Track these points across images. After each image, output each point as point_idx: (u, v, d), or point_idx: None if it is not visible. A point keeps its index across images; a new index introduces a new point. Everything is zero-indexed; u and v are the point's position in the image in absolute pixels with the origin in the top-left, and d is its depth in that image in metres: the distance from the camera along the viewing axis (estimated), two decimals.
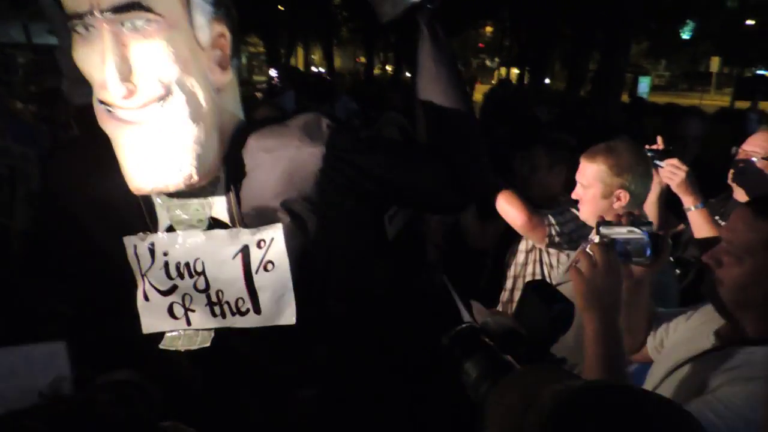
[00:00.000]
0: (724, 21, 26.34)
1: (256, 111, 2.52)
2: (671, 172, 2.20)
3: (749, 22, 27.91)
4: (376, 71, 25.86)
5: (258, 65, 30.57)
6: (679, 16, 22.14)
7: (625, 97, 14.71)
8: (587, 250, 1.26)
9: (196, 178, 1.25)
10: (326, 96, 6.13)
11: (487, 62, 37.70)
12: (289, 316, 1.35)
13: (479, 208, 2.93)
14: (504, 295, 2.64)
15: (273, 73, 11.09)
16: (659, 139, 2.32)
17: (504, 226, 2.52)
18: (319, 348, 1.45)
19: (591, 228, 2.05)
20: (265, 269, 1.33)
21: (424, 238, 3.46)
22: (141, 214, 1.34)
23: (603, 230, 1.33)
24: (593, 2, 11.42)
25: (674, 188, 2.23)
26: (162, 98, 1.19)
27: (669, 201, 2.37)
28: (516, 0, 15.85)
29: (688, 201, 2.22)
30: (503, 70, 26.10)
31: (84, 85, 2.06)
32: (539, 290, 1.16)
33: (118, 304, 1.36)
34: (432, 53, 1.38)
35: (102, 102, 1.20)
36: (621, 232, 1.32)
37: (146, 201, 1.34)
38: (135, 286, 1.35)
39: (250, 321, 1.36)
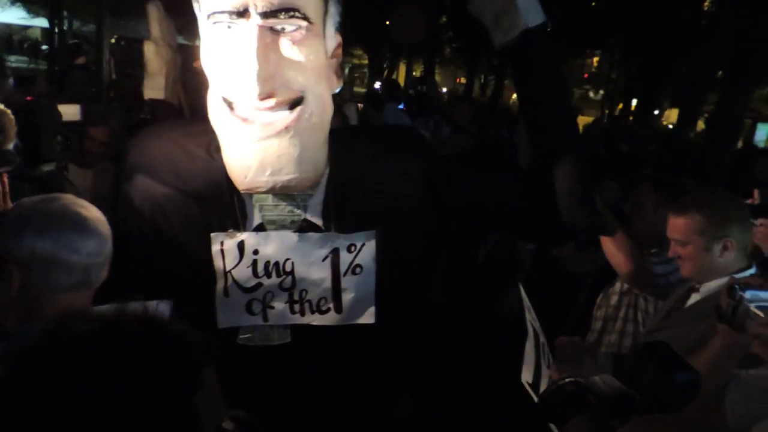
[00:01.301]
0: None
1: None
2: (765, 235, 2.01)
3: None
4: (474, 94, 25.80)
5: (360, 77, 31.36)
6: None
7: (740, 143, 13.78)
8: None
9: (310, 181, 1.30)
10: (422, 112, 6.15)
11: (591, 93, 36.57)
12: (368, 316, 1.39)
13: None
14: (591, 337, 2.50)
15: (377, 85, 11.38)
16: (755, 192, 2.13)
17: (603, 259, 2.40)
18: (399, 349, 1.47)
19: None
20: (353, 272, 1.36)
21: (512, 263, 3.38)
22: (231, 211, 1.35)
23: (748, 295, 1.20)
24: (715, 40, 10.77)
25: (765, 251, 2.04)
26: (294, 102, 1.22)
27: None
28: (630, 30, 15.22)
29: None
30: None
31: (156, 80, 2.20)
32: (660, 354, 1.04)
33: (195, 296, 1.37)
34: (545, 79, 1.35)
35: (225, 100, 1.22)
36: (765, 299, 1.20)
37: (238, 199, 1.35)
38: (214, 282, 1.36)
39: (330, 319, 1.38)
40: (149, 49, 2.26)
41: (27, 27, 25.39)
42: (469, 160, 1.60)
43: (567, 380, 0.97)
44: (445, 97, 22.42)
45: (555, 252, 3.11)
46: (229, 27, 1.18)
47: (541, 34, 1.33)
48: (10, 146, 1.95)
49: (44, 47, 21.72)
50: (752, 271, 1.86)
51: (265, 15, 1.15)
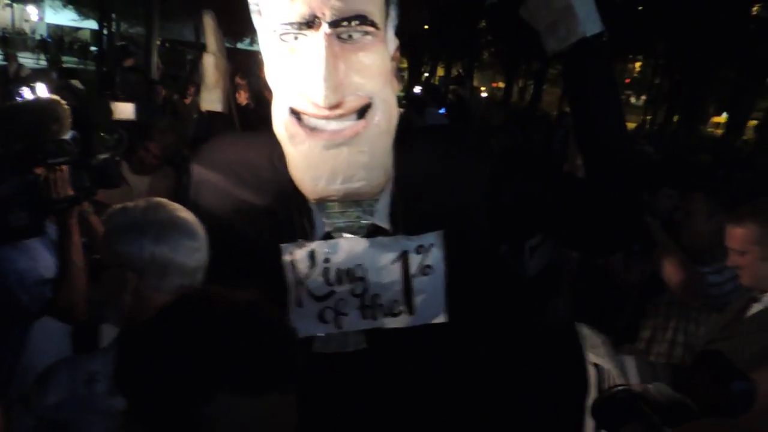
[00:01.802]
0: None
1: None
2: None
3: None
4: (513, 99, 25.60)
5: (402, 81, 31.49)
6: None
7: None
8: None
9: (380, 186, 1.31)
10: (462, 117, 6.15)
11: (632, 99, 35.83)
12: (440, 316, 1.39)
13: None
14: (640, 345, 2.46)
15: (417, 89, 11.45)
16: None
17: (651, 269, 2.36)
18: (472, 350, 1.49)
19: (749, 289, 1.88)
20: (423, 274, 1.37)
21: (560, 275, 3.36)
22: (298, 221, 1.36)
23: None
24: (765, 45, 10.43)
25: None
26: (363, 109, 1.23)
27: None
28: (675, 35, 14.84)
29: None
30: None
31: (214, 92, 2.22)
32: (716, 363, 1.03)
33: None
34: (602, 88, 1.34)
35: (293, 111, 1.24)
36: None
37: (304, 207, 1.36)
38: (285, 292, 1.36)
39: (403, 321, 1.39)
40: (208, 62, 2.30)
41: (77, 29, 26.29)
42: (522, 162, 1.60)
43: (619, 388, 0.97)
44: (483, 102, 22.30)
45: (600, 262, 3.07)
46: (296, 38, 1.20)
47: (597, 43, 1.31)
48: (68, 136, 2.00)
49: (93, 48, 22.45)
50: None
51: (334, 24, 1.16)
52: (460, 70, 22.46)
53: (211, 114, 2.35)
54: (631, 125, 19.40)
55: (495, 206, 1.37)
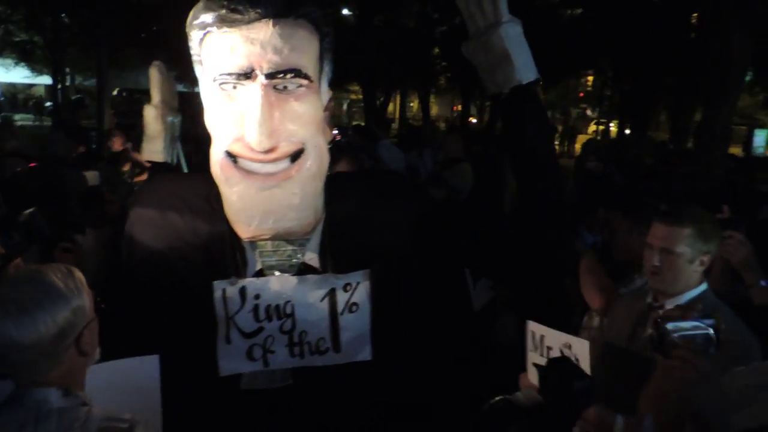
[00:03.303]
0: None
1: (336, 164, 2.64)
2: (734, 248, 2.10)
3: None
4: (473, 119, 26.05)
5: (357, 111, 31.76)
6: None
7: (737, 150, 13.84)
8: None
9: (310, 225, 1.38)
10: (415, 145, 6.27)
11: (588, 112, 36.80)
12: (365, 353, 1.44)
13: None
14: None
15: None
16: (726, 208, 2.22)
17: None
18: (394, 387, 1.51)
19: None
20: (350, 311, 1.43)
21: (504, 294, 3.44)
22: (232, 259, 1.41)
23: (670, 327, 1.30)
24: (699, 52, 10.95)
25: (735, 264, 2.13)
26: (296, 154, 1.32)
27: None
28: (619, 49, 15.47)
29: (749, 278, 2.11)
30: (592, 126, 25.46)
31: (155, 143, 2.22)
32: (561, 366, 1.17)
33: (197, 345, 1.42)
34: (534, 128, 1.45)
35: (230, 154, 1.32)
36: (687, 328, 1.30)
37: (238, 246, 1.41)
38: (216, 329, 1.41)
39: (329, 359, 1.43)
40: (149, 114, 2.33)
41: (31, 85, 25.99)
42: (450, 208, 1.71)
43: (497, 398, 1.08)
44: (442, 124, 22.59)
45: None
46: (234, 87, 1.28)
47: (532, 89, 1.42)
48: None
49: (48, 104, 22.24)
50: (704, 287, 1.94)
51: (270, 76, 1.26)
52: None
53: (154, 164, 2.39)
54: (589, 137, 19.92)
55: (423, 247, 1.46)
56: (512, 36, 1.40)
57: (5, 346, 1.18)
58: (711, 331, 1.29)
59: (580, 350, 1.56)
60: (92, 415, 1.20)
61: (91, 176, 4.00)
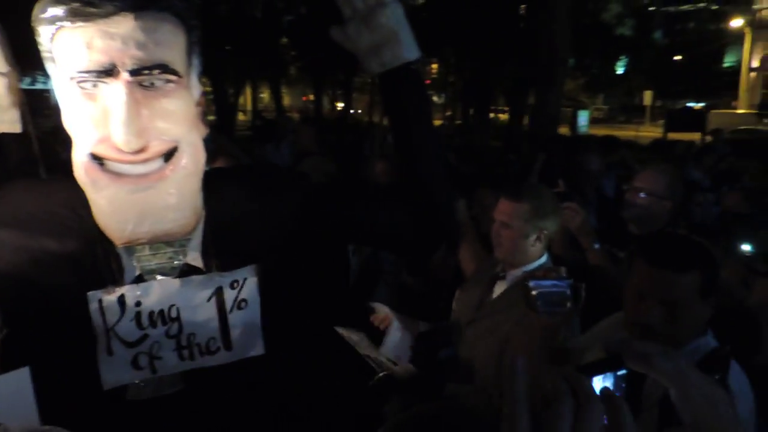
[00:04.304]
0: (655, 56, 28.00)
1: (214, 161, 2.51)
2: (570, 216, 2.38)
3: (677, 57, 29.71)
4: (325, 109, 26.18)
5: (207, 104, 30.54)
6: (613, 53, 23.39)
7: (565, 130, 15.38)
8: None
9: (190, 225, 1.32)
10: (271, 137, 6.19)
11: (435, 98, 38.65)
12: (258, 348, 1.42)
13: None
14: None
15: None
16: (560, 182, 2.51)
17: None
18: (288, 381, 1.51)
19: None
20: (239, 308, 1.39)
21: (377, 277, 3.54)
22: (106, 267, 1.33)
23: (531, 284, 1.49)
24: (528, 44, 12.00)
25: (573, 229, 2.41)
26: (169, 153, 1.24)
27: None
28: (458, 40, 16.45)
29: (585, 242, 2.40)
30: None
31: (10, 113, 1.98)
32: (430, 338, 1.26)
33: (77, 361, 1.33)
34: (416, 99, 1.46)
35: (95, 156, 1.22)
36: (547, 286, 1.50)
37: (112, 252, 1.33)
38: (95, 342, 1.33)
39: (221, 358, 1.39)
40: None
41: None
42: (335, 186, 1.70)
43: (380, 375, 1.13)
44: (296, 114, 22.45)
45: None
46: (95, 85, 1.18)
47: (415, 66, 1.44)
48: None
49: None
50: (544, 260, 2.12)
51: (135, 72, 1.17)
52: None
53: (9, 136, 2.09)
54: (437, 122, 20.98)
55: (312, 235, 1.45)
56: (399, 15, 1.42)
57: None
58: (568, 289, 1.50)
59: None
60: (11, 430, 1.08)
61: None
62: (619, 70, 29.58)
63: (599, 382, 0.66)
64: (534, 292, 1.48)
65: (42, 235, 1.34)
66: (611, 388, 0.66)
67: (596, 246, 2.39)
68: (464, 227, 2.58)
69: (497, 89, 20.42)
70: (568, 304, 1.49)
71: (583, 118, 20.83)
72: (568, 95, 21.82)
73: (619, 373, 0.68)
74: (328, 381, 1.61)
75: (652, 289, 1.43)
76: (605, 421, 0.58)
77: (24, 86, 1.39)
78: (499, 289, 2.14)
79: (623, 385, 0.68)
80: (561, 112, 8.92)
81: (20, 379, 1.23)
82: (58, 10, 1.19)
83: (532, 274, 1.53)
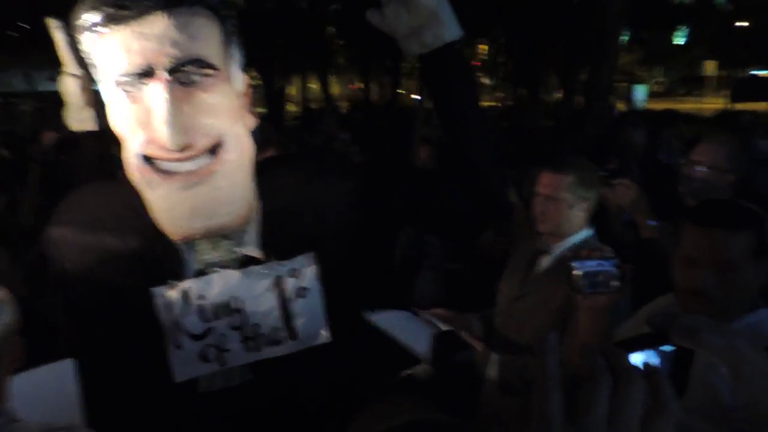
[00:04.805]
0: (717, 24, 26.51)
1: (264, 152, 2.52)
2: (622, 192, 2.30)
3: (741, 23, 28.07)
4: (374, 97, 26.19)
5: (257, 97, 31.12)
6: (671, 23, 22.31)
7: (621, 106, 14.85)
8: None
9: (244, 218, 1.33)
10: (317, 127, 6.24)
11: (484, 80, 37.98)
12: (323, 336, 1.42)
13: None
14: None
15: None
16: (612, 158, 2.41)
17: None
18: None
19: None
20: (300, 296, 1.39)
21: (423, 257, 3.53)
22: (168, 263, 1.36)
23: (575, 264, 1.45)
24: (580, 18, 11.59)
25: (625, 206, 2.32)
26: (214, 147, 1.26)
27: None
28: (508, 18, 16.06)
29: (639, 219, 2.31)
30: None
31: (82, 112, 2.03)
32: (445, 339, 1.23)
33: (148, 356, 1.36)
34: (461, 79, 1.43)
35: (145, 157, 1.24)
36: (592, 266, 1.45)
37: (171, 248, 1.36)
38: (163, 336, 1.36)
39: (286, 348, 1.40)
40: (69, 84, 1.92)
41: None
42: (388, 170, 1.68)
43: (402, 374, 1.12)
44: (345, 103, 22.55)
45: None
46: (137, 87, 1.21)
47: (458, 46, 1.41)
48: None
49: None
50: (590, 232, 2.10)
51: (173, 70, 1.18)
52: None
53: (84, 134, 2.11)
54: (488, 104, 20.64)
55: (369, 219, 1.43)
56: None
57: None
58: (614, 269, 1.44)
59: None
60: (30, 428, 1.14)
61: None
62: (679, 41, 28.20)
63: (640, 358, 0.62)
64: (578, 272, 1.44)
65: (106, 235, 1.37)
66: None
67: (652, 223, 2.30)
68: (516, 208, 2.53)
69: (549, 68, 19.87)
70: (614, 284, 1.43)
71: (640, 92, 20.03)
72: (623, 69, 21.01)
73: (664, 349, 0.64)
74: (373, 369, 1.61)
75: (703, 251, 1.37)
76: (646, 401, 0.54)
77: (96, 87, 1.43)
78: (545, 263, 2.12)
79: (668, 362, 0.63)
80: (615, 88, 8.59)
81: (64, 369, 1.27)
82: (93, 17, 1.21)
83: (577, 254, 1.47)
